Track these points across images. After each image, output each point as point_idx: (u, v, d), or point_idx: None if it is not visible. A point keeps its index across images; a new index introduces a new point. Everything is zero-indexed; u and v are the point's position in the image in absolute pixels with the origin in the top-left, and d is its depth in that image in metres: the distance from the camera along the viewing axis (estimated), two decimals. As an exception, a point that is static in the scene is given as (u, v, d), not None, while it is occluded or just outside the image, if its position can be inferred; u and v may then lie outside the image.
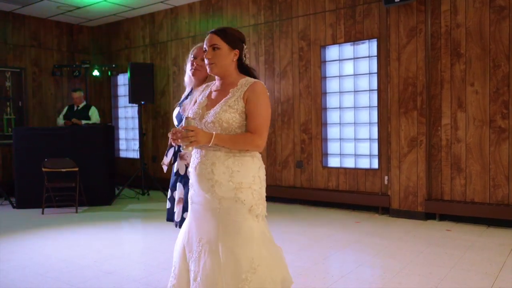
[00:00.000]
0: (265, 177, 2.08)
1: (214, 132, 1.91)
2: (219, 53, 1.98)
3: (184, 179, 2.52)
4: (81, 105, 7.08)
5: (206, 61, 2.02)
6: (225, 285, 1.89)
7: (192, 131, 1.84)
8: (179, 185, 2.56)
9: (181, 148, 1.84)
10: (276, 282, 1.96)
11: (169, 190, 2.65)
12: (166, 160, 2.62)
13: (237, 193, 1.94)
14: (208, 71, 2.04)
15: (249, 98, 1.96)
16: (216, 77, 2.09)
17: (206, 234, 1.99)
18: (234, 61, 2.03)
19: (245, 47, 2.05)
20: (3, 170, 7.56)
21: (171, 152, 2.61)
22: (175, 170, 2.60)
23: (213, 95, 2.06)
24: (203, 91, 2.14)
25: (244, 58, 2.06)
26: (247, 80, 2.01)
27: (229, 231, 1.93)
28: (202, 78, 2.57)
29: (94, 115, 7.05)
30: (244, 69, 2.07)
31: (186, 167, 2.48)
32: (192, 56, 2.60)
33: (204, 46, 2.03)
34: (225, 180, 1.94)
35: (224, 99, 1.98)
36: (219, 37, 2.00)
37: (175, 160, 2.61)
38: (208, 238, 1.98)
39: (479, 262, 3.61)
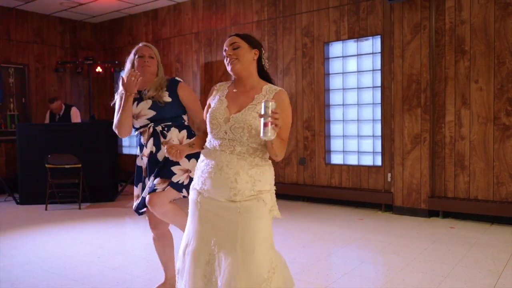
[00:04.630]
0: None
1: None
2: (240, 50, 2.01)
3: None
4: (61, 113, 6.98)
5: (227, 60, 2.02)
6: (246, 285, 1.86)
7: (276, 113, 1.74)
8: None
9: (263, 136, 1.75)
10: (287, 283, 1.97)
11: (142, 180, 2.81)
12: (147, 151, 2.71)
13: (258, 194, 1.94)
14: (229, 68, 2.03)
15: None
16: (234, 77, 2.07)
17: (221, 235, 1.95)
18: (254, 60, 2.04)
19: (263, 52, 2.08)
20: (6, 166, 7.59)
21: (150, 142, 2.69)
22: (160, 158, 2.66)
23: (235, 96, 2.03)
24: (217, 90, 2.12)
25: (264, 62, 2.07)
26: (270, 87, 2.02)
27: (249, 229, 1.91)
28: (153, 72, 2.78)
29: (74, 115, 6.95)
30: (264, 75, 2.09)
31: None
32: (137, 56, 2.77)
33: (225, 47, 2.05)
34: (247, 189, 1.93)
35: (249, 104, 1.97)
36: (238, 37, 2.04)
37: (157, 150, 2.68)
38: (224, 239, 1.94)
39: (483, 260, 3.60)
